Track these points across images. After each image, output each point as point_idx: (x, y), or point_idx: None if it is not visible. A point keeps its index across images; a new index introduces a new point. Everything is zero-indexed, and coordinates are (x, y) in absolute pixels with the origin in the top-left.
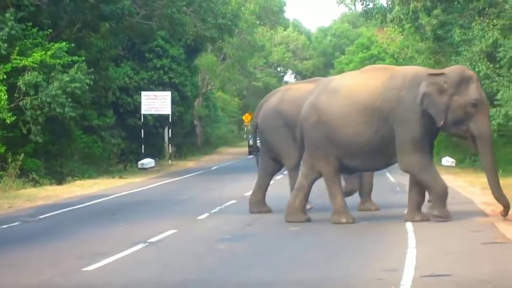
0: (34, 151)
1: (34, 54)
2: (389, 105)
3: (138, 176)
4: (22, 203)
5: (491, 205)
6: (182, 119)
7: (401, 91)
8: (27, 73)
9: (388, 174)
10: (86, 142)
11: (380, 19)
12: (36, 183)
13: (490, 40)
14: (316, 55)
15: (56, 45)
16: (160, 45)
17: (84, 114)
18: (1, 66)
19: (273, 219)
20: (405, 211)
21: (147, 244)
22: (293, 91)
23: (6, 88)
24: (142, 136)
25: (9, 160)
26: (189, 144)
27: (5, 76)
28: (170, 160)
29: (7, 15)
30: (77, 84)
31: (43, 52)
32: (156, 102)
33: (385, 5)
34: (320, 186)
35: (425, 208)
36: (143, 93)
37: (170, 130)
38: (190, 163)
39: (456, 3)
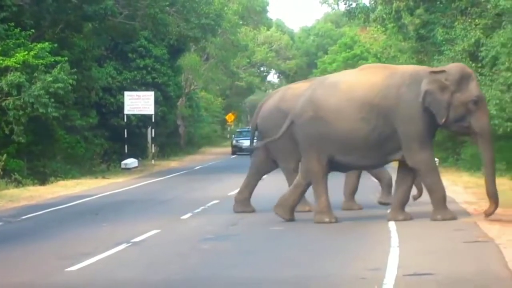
0: (16, 151)
1: (17, 54)
2: (388, 103)
3: (121, 176)
4: (5, 203)
5: (474, 204)
6: (165, 119)
7: (400, 89)
8: (10, 74)
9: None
10: (69, 142)
11: (363, 19)
12: (18, 183)
13: (473, 40)
14: (299, 55)
15: (39, 46)
16: (143, 45)
17: (67, 114)
18: None
19: (256, 219)
20: (388, 211)
21: (130, 244)
22: (294, 90)
23: None
24: (125, 136)
25: None
26: (172, 144)
27: None
28: (153, 160)
29: None
30: (60, 85)
31: (26, 52)
32: (139, 102)
33: (368, 4)
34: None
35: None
36: (126, 93)
37: (153, 130)
38: (173, 163)
39: (438, 2)
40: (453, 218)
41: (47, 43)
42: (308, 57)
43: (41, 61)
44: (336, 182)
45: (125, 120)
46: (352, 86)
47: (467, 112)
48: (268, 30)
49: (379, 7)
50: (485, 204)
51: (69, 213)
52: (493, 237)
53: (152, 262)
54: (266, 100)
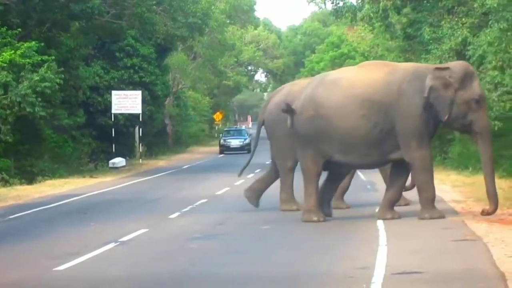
0: (4, 150)
1: (4, 53)
2: (390, 99)
3: (109, 176)
4: None
5: (461, 203)
6: (153, 118)
7: (402, 85)
8: None
9: (359, 173)
10: (56, 142)
11: (350, 18)
12: (6, 183)
13: (460, 38)
14: (286, 54)
15: (25, 45)
16: (131, 44)
17: (54, 114)
18: None
19: (245, 218)
20: (377, 209)
21: (118, 243)
22: (300, 86)
23: None
24: (113, 135)
25: None
26: (160, 143)
27: None
28: (141, 159)
29: None
30: (47, 84)
31: (13, 51)
32: (126, 101)
33: (355, 3)
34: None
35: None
36: (113, 92)
37: (140, 129)
38: (161, 162)
39: (425, 1)
40: (441, 216)
41: (34, 42)
42: (296, 56)
43: (28, 60)
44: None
45: (113, 119)
46: (353, 83)
47: (469, 110)
48: (255, 29)
49: (366, 6)
50: (472, 203)
51: (57, 212)
52: (481, 236)
53: (140, 261)
54: (273, 96)
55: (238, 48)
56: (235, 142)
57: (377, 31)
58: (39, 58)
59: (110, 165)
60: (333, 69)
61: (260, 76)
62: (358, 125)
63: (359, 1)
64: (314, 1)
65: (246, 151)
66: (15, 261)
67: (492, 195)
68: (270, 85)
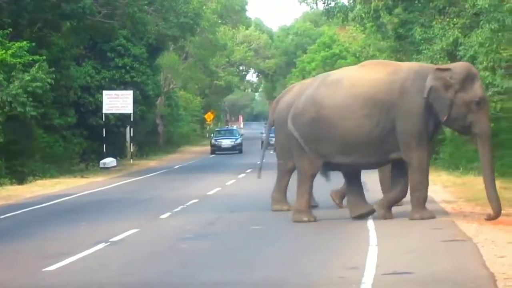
0: None
1: None
2: (392, 97)
3: (100, 176)
4: None
5: (452, 203)
6: (144, 118)
7: (405, 84)
8: None
9: None
10: (47, 142)
11: (341, 18)
12: None
13: (451, 39)
14: (278, 54)
15: (16, 44)
16: (122, 44)
17: (45, 114)
18: None
19: (235, 218)
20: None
21: (109, 243)
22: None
23: None
24: (104, 135)
25: None
26: (151, 143)
27: None
28: (132, 160)
29: None
30: (38, 84)
31: (4, 51)
32: (118, 101)
33: (347, 4)
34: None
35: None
36: (104, 92)
37: (132, 129)
38: (152, 162)
39: (417, 2)
40: (432, 217)
41: (25, 42)
42: (287, 56)
43: (19, 60)
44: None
45: (104, 119)
46: (355, 82)
47: (469, 112)
48: (247, 29)
49: (358, 6)
50: (463, 203)
51: (48, 212)
52: (471, 236)
53: (130, 261)
54: (282, 95)
55: (229, 48)
56: (226, 142)
57: (368, 31)
58: (30, 58)
59: (101, 165)
60: (324, 69)
61: (252, 76)
62: (361, 125)
63: (351, 1)
64: (305, 1)
65: (237, 151)
66: (5, 261)
67: (493, 198)
68: (262, 85)
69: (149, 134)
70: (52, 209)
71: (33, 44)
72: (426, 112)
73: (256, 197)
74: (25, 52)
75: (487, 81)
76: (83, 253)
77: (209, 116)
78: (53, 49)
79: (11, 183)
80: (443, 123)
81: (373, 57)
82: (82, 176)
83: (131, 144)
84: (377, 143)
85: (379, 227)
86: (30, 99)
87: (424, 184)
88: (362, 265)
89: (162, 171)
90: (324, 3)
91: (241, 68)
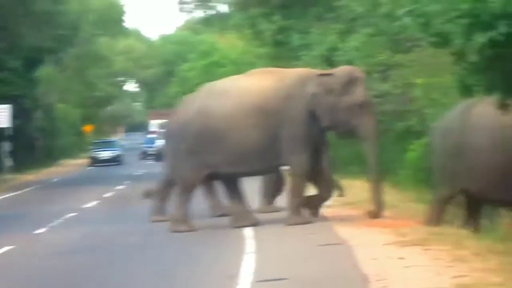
0: None
1: None
2: (278, 105)
3: None
4: None
5: (329, 208)
6: (22, 132)
7: (290, 91)
8: None
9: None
10: None
11: (220, 26)
12: None
13: (328, 44)
14: (158, 63)
15: None
16: None
17: None
18: None
19: (113, 230)
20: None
21: None
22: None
23: None
24: None
25: None
26: (29, 157)
27: None
28: (8, 174)
29: None
30: None
31: None
32: None
33: (225, 11)
34: None
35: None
36: None
37: (9, 143)
38: (30, 177)
39: (295, 8)
40: (308, 222)
41: None
42: (167, 65)
43: None
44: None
45: None
46: (243, 92)
47: (353, 115)
48: (126, 39)
49: (236, 14)
50: (339, 207)
51: None
52: (346, 239)
53: (6, 279)
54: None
55: (108, 58)
56: (105, 154)
57: (247, 39)
58: None
59: None
60: (205, 77)
61: (131, 86)
62: (249, 135)
63: (229, 9)
64: (184, 10)
65: (116, 163)
66: None
67: (377, 200)
68: (142, 95)
69: (27, 148)
70: None
71: None
72: (309, 118)
73: (134, 208)
74: None
75: None
76: None
77: (88, 128)
78: None
79: None
80: (328, 128)
81: (252, 64)
82: None
83: (8, 159)
84: (265, 151)
85: (256, 234)
86: None
87: (302, 190)
88: (239, 273)
89: (40, 185)
90: (203, 11)
91: (121, 78)
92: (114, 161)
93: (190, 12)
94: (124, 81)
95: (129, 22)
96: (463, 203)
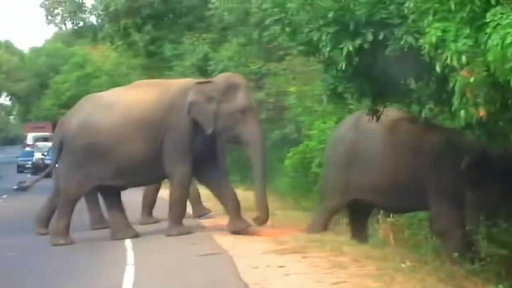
0: None
1: None
2: (162, 116)
3: None
4: None
5: (208, 218)
6: None
7: (172, 101)
8: None
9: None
10: None
11: (91, 37)
12: None
13: (201, 54)
14: (30, 75)
15: None
16: None
17: None
18: None
19: None
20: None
21: None
22: None
23: None
24: None
25: None
26: None
27: None
28: None
29: None
30: None
31: None
32: None
33: (95, 23)
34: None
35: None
36: None
37: None
38: None
39: (166, 19)
40: (189, 232)
41: None
42: (40, 78)
43: None
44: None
45: None
46: (129, 106)
47: (235, 121)
48: None
49: (107, 25)
50: (219, 217)
51: None
52: (227, 249)
53: None
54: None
55: None
56: None
57: (120, 50)
58: None
59: None
60: (79, 89)
61: (4, 100)
62: (136, 148)
63: (99, 20)
64: (53, 22)
65: None
66: None
67: (261, 207)
68: (16, 108)
69: None
70: None
71: None
72: (191, 127)
73: (13, 222)
74: None
75: None
76: None
77: None
78: None
79: None
80: (211, 137)
81: (126, 75)
82: None
83: None
84: (152, 163)
85: (136, 246)
86: None
87: (183, 200)
88: (119, 285)
89: None
90: (72, 23)
91: None
92: None
93: (60, 24)
94: None
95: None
96: (349, 214)
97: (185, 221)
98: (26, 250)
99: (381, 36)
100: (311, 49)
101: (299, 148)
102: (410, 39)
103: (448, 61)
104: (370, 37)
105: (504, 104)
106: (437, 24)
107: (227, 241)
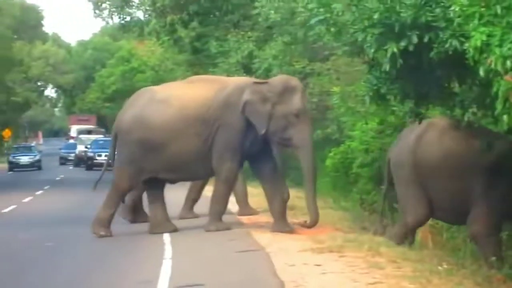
0: None
1: None
2: (217, 113)
3: None
4: None
5: (248, 214)
6: None
7: (228, 99)
8: None
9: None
10: None
11: (137, 32)
12: None
13: (246, 52)
14: (76, 68)
15: None
16: None
17: None
18: None
19: (30, 235)
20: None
21: None
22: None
23: None
24: None
25: None
26: None
27: None
28: None
29: None
30: None
31: None
32: None
33: (142, 18)
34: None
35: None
36: None
37: None
38: None
39: (212, 16)
40: (227, 228)
41: None
42: (86, 71)
43: None
44: None
45: None
46: (184, 102)
47: (288, 124)
48: (44, 44)
49: (153, 21)
50: (259, 214)
51: None
52: (264, 246)
53: None
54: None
55: (26, 63)
56: (24, 159)
57: (166, 45)
58: None
59: None
60: (124, 83)
61: (50, 92)
62: (189, 144)
63: (146, 15)
64: (101, 16)
65: (36, 168)
66: None
67: (312, 210)
68: (61, 101)
69: None
70: None
71: None
72: (244, 126)
73: (53, 213)
74: None
75: None
76: None
77: (6, 133)
78: None
79: None
80: (263, 137)
81: (171, 70)
82: None
83: None
84: (203, 159)
85: (175, 240)
86: None
87: (225, 198)
88: (156, 278)
89: None
90: (119, 17)
91: (39, 83)
92: (33, 166)
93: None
94: (44, 86)
95: (47, 27)
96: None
97: (224, 217)
98: (64, 241)
99: (426, 39)
100: (356, 49)
101: (341, 148)
102: (455, 42)
103: (493, 65)
104: (415, 39)
105: None
106: (482, 28)
107: (264, 238)
